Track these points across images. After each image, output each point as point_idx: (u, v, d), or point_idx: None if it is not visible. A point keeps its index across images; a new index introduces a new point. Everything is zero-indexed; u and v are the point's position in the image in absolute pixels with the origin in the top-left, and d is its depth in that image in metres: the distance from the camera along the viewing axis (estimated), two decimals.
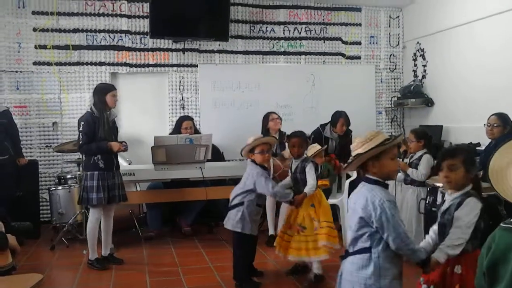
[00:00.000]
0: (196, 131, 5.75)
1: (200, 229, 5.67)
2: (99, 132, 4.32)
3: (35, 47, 6.06)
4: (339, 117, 5.65)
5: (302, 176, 3.96)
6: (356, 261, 2.22)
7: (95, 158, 4.31)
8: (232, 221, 3.84)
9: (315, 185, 3.93)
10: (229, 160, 6.23)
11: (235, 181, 5.43)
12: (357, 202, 2.25)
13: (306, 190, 3.90)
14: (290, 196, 3.92)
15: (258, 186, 3.79)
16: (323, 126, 5.83)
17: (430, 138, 4.59)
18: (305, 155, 4.10)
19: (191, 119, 5.85)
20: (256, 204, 3.87)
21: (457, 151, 2.57)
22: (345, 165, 2.43)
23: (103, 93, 4.39)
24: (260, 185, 3.78)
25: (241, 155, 4.03)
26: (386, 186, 2.27)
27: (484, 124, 4.46)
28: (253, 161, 3.90)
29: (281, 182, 4.20)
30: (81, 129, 4.31)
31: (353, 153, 2.32)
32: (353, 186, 5.22)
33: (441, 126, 6.26)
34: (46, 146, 6.09)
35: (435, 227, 2.63)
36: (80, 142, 4.34)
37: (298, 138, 4.04)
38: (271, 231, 5.08)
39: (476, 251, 2.38)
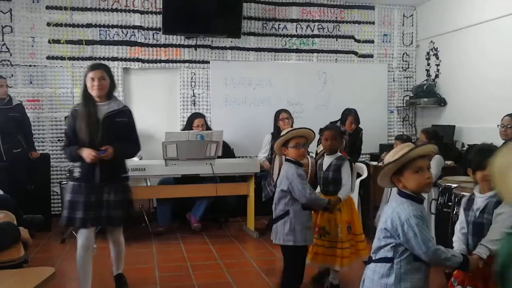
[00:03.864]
0: (208, 128, 5.75)
1: (210, 225, 5.68)
2: (78, 131, 3.32)
3: (49, 41, 6.10)
4: (348, 115, 5.62)
5: (336, 175, 3.61)
6: (378, 269, 2.20)
7: (75, 164, 3.42)
8: (280, 234, 3.30)
9: (350, 188, 3.59)
10: (239, 157, 6.24)
11: (244, 178, 5.47)
12: (386, 213, 2.22)
13: (341, 194, 3.57)
14: (325, 203, 3.42)
15: (293, 189, 3.26)
16: (333, 123, 5.81)
17: (441, 138, 4.55)
18: (339, 153, 3.76)
19: (202, 116, 5.85)
20: (303, 208, 3.30)
21: (494, 148, 2.54)
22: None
23: (84, 77, 3.37)
24: (297, 189, 3.24)
25: (274, 149, 3.56)
26: (419, 200, 2.18)
27: (498, 125, 4.42)
28: (288, 159, 3.41)
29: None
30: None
31: None
32: (363, 184, 5.22)
33: (454, 126, 6.21)
34: (58, 140, 6.13)
35: (459, 226, 2.62)
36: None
37: (331, 130, 3.74)
38: None
39: None
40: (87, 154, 3.22)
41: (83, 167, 3.31)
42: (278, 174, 4.28)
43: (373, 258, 2.24)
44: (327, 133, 3.72)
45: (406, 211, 2.12)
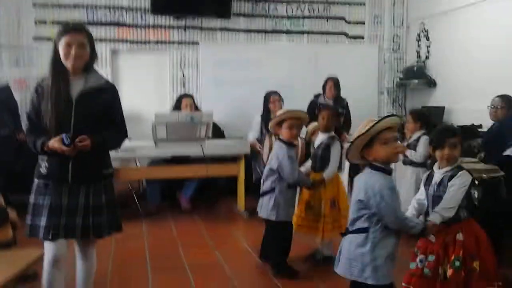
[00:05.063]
0: (197, 108, 5.73)
1: (200, 205, 5.69)
2: (44, 114, 2.48)
3: (35, 22, 6.02)
4: (328, 80, 5.66)
5: (324, 153, 3.72)
6: (355, 240, 2.33)
7: (41, 157, 2.57)
8: (265, 209, 3.60)
9: (336, 168, 3.70)
10: (229, 138, 6.23)
11: (234, 158, 5.46)
12: (358, 186, 2.36)
13: (325, 174, 3.70)
14: (310, 182, 3.70)
15: (282, 170, 3.51)
16: (317, 96, 5.83)
17: (428, 118, 4.57)
18: (332, 133, 3.84)
19: (190, 96, 5.82)
20: (288, 186, 3.58)
21: (455, 130, 2.77)
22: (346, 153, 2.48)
23: (55, 43, 2.51)
24: (286, 170, 3.49)
25: (269, 128, 3.80)
26: (388, 172, 2.33)
27: (488, 106, 4.44)
28: (280, 139, 3.63)
29: (301, 168, 3.89)
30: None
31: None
32: (353, 166, 5.21)
33: (443, 107, 6.23)
34: None
35: (419, 196, 2.81)
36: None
37: (327, 110, 3.86)
38: None
39: (469, 219, 2.65)
40: (58, 144, 2.40)
41: (51, 161, 2.50)
42: (269, 155, 4.30)
43: (350, 230, 2.38)
44: (324, 112, 3.83)
45: (379, 183, 2.26)
